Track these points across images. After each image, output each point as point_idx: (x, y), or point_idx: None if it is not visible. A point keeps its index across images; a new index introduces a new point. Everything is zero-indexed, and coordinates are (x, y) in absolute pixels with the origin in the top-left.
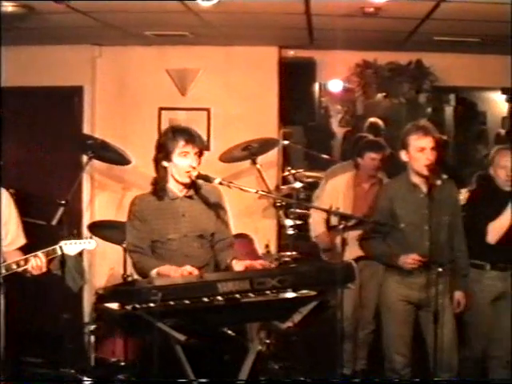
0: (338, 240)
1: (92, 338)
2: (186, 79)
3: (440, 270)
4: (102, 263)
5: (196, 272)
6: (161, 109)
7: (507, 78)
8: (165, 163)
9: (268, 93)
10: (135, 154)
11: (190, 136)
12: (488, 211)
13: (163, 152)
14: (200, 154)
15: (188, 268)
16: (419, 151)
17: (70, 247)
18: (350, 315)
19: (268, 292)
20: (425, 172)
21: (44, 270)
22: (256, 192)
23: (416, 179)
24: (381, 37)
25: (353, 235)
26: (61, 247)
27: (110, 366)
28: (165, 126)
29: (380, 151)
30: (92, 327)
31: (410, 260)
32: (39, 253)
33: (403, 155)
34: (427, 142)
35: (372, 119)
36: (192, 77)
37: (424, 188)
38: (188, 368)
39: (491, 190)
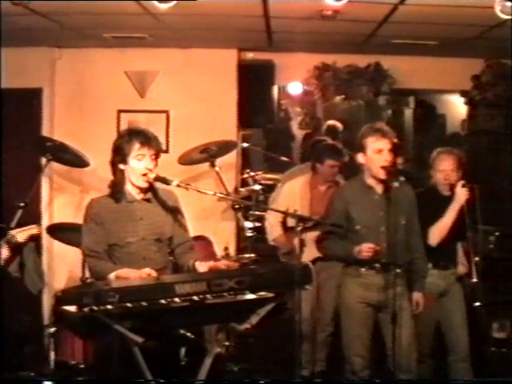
0: (296, 242)
1: (52, 341)
2: (145, 81)
3: (398, 271)
4: (60, 265)
5: (154, 274)
6: (120, 111)
7: (466, 81)
8: (121, 166)
9: (227, 95)
10: (94, 156)
11: (145, 138)
12: (429, 214)
13: (120, 155)
14: (156, 157)
15: (147, 270)
16: (376, 153)
17: (20, 235)
18: (309, 317)
19: (225, 294)
20: (381, 174)
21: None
22: (214, 194)
23: (371, 181)
24: (339, 39)
25: (310, 237)
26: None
27: (70, 368)
28: (124, 128)
29: (339, 158)
30: (51, 330)
31: (364, 248)
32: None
33: (360, 157)
34: (384, 144)
35: (330, 122)
36: (151, 79)
37: (379, 190)
38: (146, 370)
39: (432, 193)
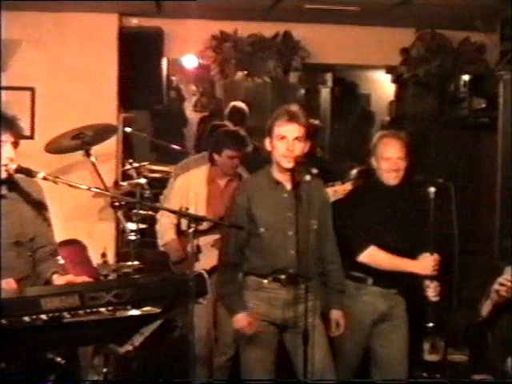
0: (189, 246)
1: None
2: (5, 52)
3: (308, 284)
4: None
5: (14, 285)
6: None
7: (393, 55)
8: None
9: (105, 70)
10: None
11: (5, 122)
12: (372, 212)
13: None
14: (17, 144)
15: (6, 280)
16: (280, 139)
17: None
18: (204, 337)
19: (102, 309)
20: (283, 164)
21: None
22: (89, 189)
23: (279, 175)
24: (242, 4)
25: (207, 241)
26: None
27: None
28: None
29: (241, 148)
30: None
31: None
32: None
33: (267, 144)
34: (290, 130)
35: (235, 103)
36: (13, 49)
37: (288, 186)
38: None
39: (373, 185)
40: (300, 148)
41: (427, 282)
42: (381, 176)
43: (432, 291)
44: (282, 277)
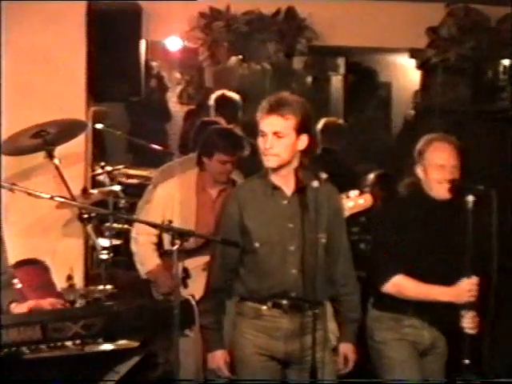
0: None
1: None
2: None
3: (316, 311)
4: None
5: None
6: None
7: (419, 35)
8: None
9: (72, 54)
10: None
11: None
12: (408, 231)
13: None
14: None
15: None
16: (260, 136)
17: None
18: (191, 376)
19: (69, 343)
20: (264, 163)
21: None
22: (52, 198)
23: (277, 179)
24: None
25: (197, 264)
26: None
27: None
28: None
29: (234, 152)
30: None
31: None
32: None
33: (260, 142)
34: (269, 123)
35: (224, 92)
36: None
37: (288, 192)
38: None
39: (418, 198)
40: (284, 145)
41: (463, 312)
42: (429, 188)
43: (468, 322)
44: (284, 302)
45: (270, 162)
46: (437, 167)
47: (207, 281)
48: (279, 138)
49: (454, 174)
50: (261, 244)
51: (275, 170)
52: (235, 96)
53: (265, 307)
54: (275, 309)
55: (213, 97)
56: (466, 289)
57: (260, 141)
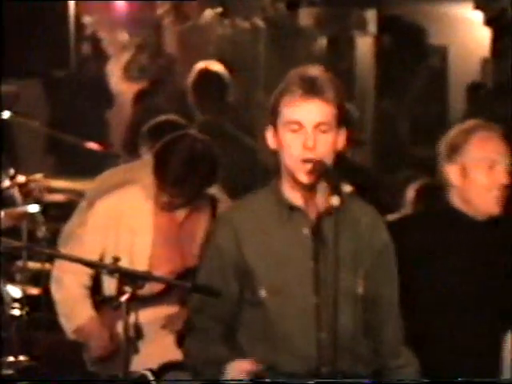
0: (120, 327)
1: None
2: None
3: None
4: None
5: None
6: None
7: None
8: None
9: None
10: None
11: None
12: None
13: None
14: None
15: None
16: (290, 130)
17: None
18: None
19: None
20: (300, 175)
21: None
22: None
23: (294, 195)
24: None
25: (154, 317)
26: None
27: None
28: None
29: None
30: None
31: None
32: None
33: (269, 138)
34: (309, 111)
35: (206, 65)
36: None
37: (313, 213)
38: None
39: (448, 216)
40: (329, 143)
41: None
42: (468, 198)
43: None
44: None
45: (311, 172)
46: (485, 167)
47: (187, 324)
48: (323, 134)
49: (507, 178)
50: (270, 293)
51: (304, 184)
52: (221, 68)
53: None
54: None
55: (192, 72)
56: None
57: (290, 138)
